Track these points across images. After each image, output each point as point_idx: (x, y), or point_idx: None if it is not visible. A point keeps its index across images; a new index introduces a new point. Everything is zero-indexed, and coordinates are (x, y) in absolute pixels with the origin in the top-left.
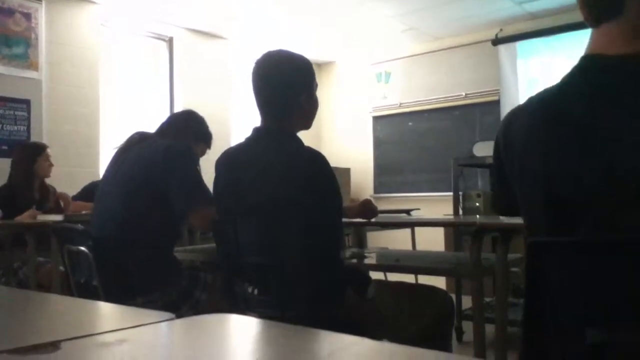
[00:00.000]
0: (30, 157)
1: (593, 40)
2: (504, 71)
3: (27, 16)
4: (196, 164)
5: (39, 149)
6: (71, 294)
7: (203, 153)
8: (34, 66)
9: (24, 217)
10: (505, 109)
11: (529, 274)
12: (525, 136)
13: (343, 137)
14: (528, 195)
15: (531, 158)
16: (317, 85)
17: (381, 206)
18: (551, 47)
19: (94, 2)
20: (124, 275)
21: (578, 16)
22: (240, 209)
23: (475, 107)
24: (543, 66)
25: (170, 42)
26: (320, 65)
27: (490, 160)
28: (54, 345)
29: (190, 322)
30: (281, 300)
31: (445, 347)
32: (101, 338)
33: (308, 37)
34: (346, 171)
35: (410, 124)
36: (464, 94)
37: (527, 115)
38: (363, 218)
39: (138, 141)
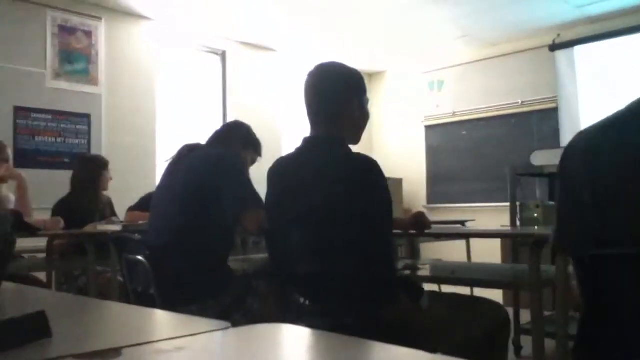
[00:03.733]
0: (97, 170)
1: None
2: (561, 77)
3: (88, 34)
4: (245, 170)
5: (104, 164)
6: (129, 302)
7: (254, 161)
8: (94, 81)
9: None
10: (564, 116)
11: (588, 288)
12: (590, 157)
13: (395, 147)
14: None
15: (596, 178)
16: (368, 100)
17: (435, 217)
18: (611, 51)
19: (150, 19)
20: (179, 283)
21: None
22: (291, 217)
23: (532, 114)
24: (603, 71)
25: (223, 55)
26: (371, 75)
27: (549, 170)
28: (116, 351)
29: (244, 332)
30: (333, 308)
31: None
32: (160, 345)
33: (358, 47)
34: (398, 182)
35: (464, 132)
36: (520, 101)
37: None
38: (415, 230)
39: (189, 152)
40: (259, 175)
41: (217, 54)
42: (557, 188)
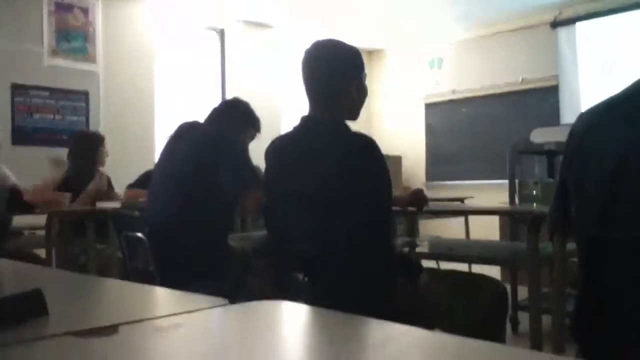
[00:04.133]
0: (94, 146)
1: None
2: (562, 55)
3: (85, 11)
4: (244, 149)
5: (100, 139)
6: (128, 280)
7: (253, 137)
8: (91, 59)
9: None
10: (564, 94)
11: (587, 265)
12: (595, 135)
13: (394, 125)
14: (590, 193)
15: (601, 156)
16: (366, 75)
17: (434, 194)
18: (614, 27)
19: None
20: (178, 261)
21: None
22: (290, 197)
23: (532, 92)
24: (605, 48)
25: (221, 33)
26: (370, 52)
27: (549, 147)
28: (113, 329)
29: (242, 308)
30: (331, 287)
31: (498, 337)
32: (158, 322)
33: (358, 24)
34: (397, 159)
35: (463, 110)
36: (520, 79)
37: (597, 118)
38: (413, 207)
39: (188, 130)
40: (257, 153)
41: (215, 31)
42: (559, 169)
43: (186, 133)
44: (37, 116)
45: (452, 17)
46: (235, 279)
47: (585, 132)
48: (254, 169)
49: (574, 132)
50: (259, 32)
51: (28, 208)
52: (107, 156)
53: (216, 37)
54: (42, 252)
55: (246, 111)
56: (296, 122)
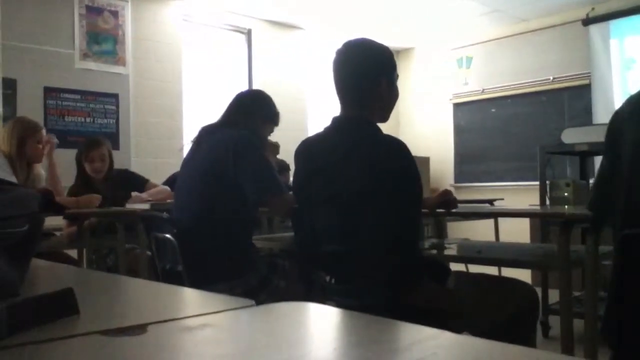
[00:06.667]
0: (78, 156)
1: None
2: (595, 53)
3: (115, 14)
4: (262, 152)
5: (82, 150)
6: (157, 279)
7: (271, 131)
8: (121, 62)
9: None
10: (597, 93)
11: (618, 266)
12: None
13: (422, 125)
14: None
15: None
16: (397, 75)
17: (462, 196)
18: None
19: None
20: (206, 262)
21: None
22: (319, 198)
23: (563, 91)
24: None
25: (249, 34)
26: (398, 51)
27: (581, 148)
28: (142, 328)
29: (269, 310)
30: (358, 288)
31: (528, 342)
32: (185, 322)
33: (386, 23)
34: (425, 160)
35: (493, 110)
36: (551, 78)
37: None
38: (442, 209)
39: (207, 134)
40: (285, 156)
41: (242, 32)
42: (603, 154)
43: (206, 137)
44: (68, 119)
45: (482, 15)
46: (262, 281)
47: (628, 119)
48: (274, 174)
49: (616, 119)
50: (286, 33)
51: (60, 209)
52: (99, 165)
53: (243, 38)
54: (72, 253)
55: (268, 107)
56: (324, 122)
